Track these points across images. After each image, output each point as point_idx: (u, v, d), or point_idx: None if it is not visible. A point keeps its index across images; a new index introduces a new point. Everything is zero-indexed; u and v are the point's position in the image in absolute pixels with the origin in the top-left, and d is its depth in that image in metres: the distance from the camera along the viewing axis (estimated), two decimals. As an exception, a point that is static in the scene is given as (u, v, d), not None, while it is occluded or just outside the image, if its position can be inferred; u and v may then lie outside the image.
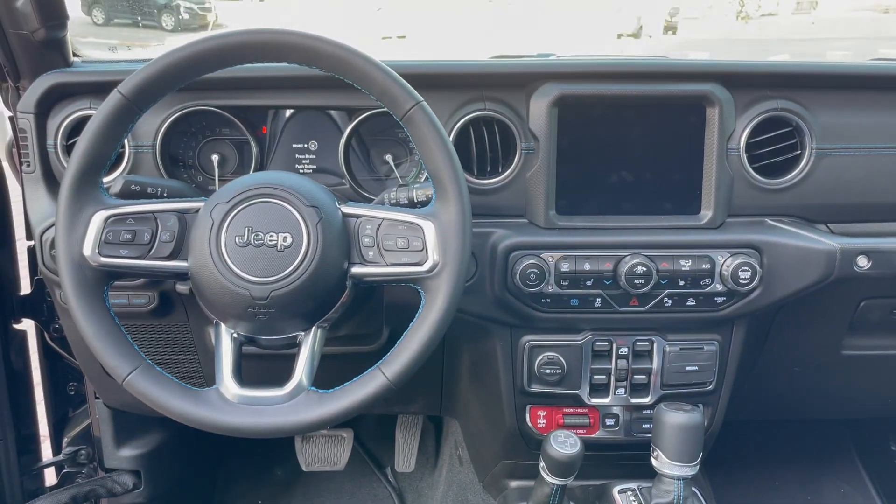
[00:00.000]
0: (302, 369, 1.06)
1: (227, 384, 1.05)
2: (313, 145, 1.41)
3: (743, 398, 1.68)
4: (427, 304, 1.05)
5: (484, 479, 1.75)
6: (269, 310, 1.03)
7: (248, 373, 1.10)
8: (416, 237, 1.05)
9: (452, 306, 1.04)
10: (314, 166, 1.41)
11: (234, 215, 1.03)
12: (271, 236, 1.02)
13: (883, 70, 1.36)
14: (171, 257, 1.06)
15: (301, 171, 1.40)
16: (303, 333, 1.09)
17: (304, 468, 2.11)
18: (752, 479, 2.26)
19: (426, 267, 1.04)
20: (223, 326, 1.08)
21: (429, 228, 1.05)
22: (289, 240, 1.02)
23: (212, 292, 1.03)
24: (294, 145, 1.41)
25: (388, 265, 1.06)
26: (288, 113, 1.40)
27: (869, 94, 1.35)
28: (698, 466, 1.27)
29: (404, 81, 1.03)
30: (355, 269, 1.07)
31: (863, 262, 1.30)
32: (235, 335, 1.08)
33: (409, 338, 1.04)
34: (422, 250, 1.05)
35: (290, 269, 1.02)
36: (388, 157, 1.38)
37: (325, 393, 1.04)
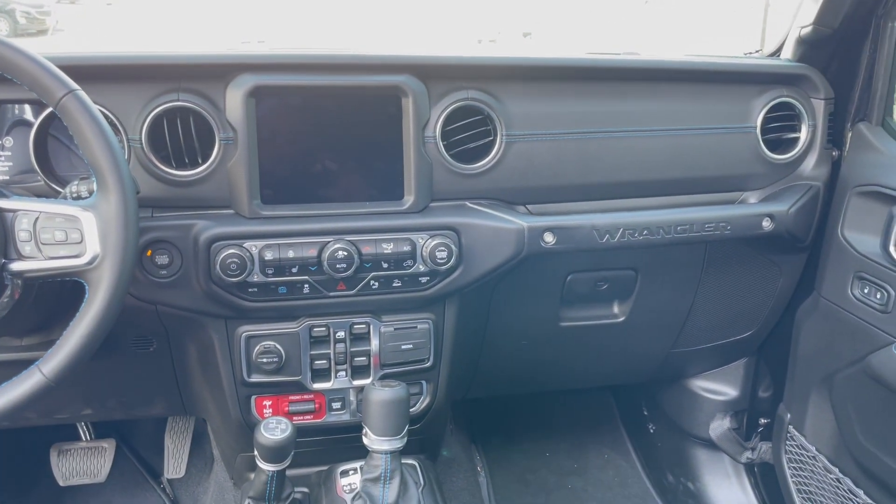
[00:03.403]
0: None
1: None
2: (8, 142, 1.34)
3: (483, 374, 1.78)
4: (89, 298, 1.03)
5: (233, 476, 1.74)
6: None
7: None
8: (74, 229, 1.03)
9: (116, 298, 1.03)
10: (10, 164, 1.34)
11: None
12: None
13: (564, 62, 1.48)
14: None
15: None
16: None
17: (61, 483, 2.01)
18: (524, 451, 2.40)
19: (85, 259, 1.03)
20: None
21: (87, 220, 1.03)
22: None
23: None
24: None
25: (46, 259, 1.03)
26: None
27: (552, 84, 1.46)
28: (405, 439, 1.33)
29: (55, 69, 1.01)
30: (14, 266, 1.03)
31: (549, 238, 1.41)
32: None
33: (69, 333, 1.02)
34: (80, 242, 1.03)
35: None
36: None
37: None
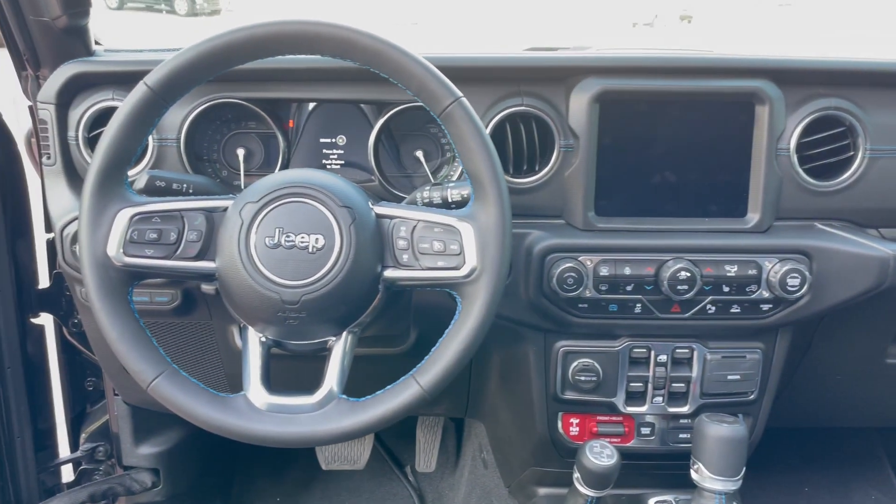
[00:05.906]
0: (333, 376, 1.02)
1: (256, 391, 1.00)
2: (341, 140, 1.35)
3: (783, 406, 1.63)
4: (464, 311, 1.00)
5: (510, 485, 1.71)
6: (300, 314, 0.98)
7: (275, 376, 1.05)
8: (453, 240, 1.00)
9: (491, 314, 0.99)
10: (342, 161, 1.36)
11: (265, 215, 0.98)
12: (303, 238, 0.98)
13: None
14: (198, 258, 1.01)
15: (328, 166, 1.35)
16: (333, 339, 1.04)
17: (323, 467, 2.07)
18: (781, 482, 2.21)
19: (464, 272, 0.99)
20: (251, 330, 1.03)
21: (467, 231, 0.99)
22: (321, 241, 0.98)
23: (240, 295, 0.99)
24: (321, 139, 1.35)
25: (423, 269, 1.01)
26: (312, 106, 1.35)
27: None
28: (741, 481, 1.22)
29: (443, 76, 0.98)
30: (389, 273, 1.02)
31: None
32: (264, 339, 1.03)
33: (444, 346, 1.00)
34: (459, 254, 1.00)
35: (322, 272, 0.97)
36: (419, 154, 1.33)
37: (357, 401, 1.00)
